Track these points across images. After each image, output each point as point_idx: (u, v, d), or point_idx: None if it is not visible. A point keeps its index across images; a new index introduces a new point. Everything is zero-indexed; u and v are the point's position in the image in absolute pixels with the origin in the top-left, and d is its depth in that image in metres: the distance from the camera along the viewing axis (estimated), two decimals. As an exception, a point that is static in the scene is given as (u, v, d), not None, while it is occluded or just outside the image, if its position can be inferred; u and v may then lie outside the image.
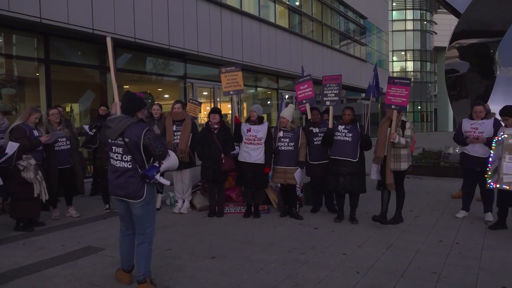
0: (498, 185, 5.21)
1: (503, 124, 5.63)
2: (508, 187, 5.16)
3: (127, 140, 3.57)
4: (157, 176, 3.64)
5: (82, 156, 7.17)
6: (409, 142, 5.69)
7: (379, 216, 5.82)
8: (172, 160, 3.77)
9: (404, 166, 5.69)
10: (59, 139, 6.23)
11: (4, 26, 8.34)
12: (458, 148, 6.60)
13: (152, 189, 3.70)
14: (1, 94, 8.77)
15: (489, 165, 5.48)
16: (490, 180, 5.38)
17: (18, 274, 4.17)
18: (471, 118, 6.16)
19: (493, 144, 5.52)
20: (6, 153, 5.44)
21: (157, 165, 3.68)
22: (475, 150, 5.96)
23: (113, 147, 3.65)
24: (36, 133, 5.84)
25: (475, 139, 5.94)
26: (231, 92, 6.77)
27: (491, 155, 5.48)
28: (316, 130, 6.48)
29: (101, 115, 7.84)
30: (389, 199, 5.85)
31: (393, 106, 5.69)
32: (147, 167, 3.64)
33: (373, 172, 5.93)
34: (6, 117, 6.82)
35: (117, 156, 3.65)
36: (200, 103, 7.67)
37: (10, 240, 5.29)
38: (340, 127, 5.99)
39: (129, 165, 3.61)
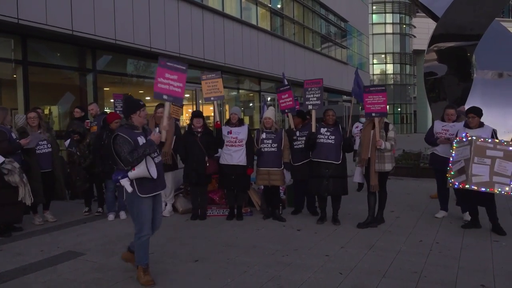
0: (466, 186, 5.33)
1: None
2: (476, 188, 5.31)
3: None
4: (122, 181, 3.79)
5: (63, 160, 7.04)
6: (393, 144, 5.77)
7: (367, 221, 5.87)
8: (141, 169, 3.76)
9: (388, 167, 5.76)
10: (40, 142, 6.11)
11: (-21, 26, 8.13)
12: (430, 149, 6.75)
13: (132, 192, 3.84)
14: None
15: (450, 164, 5.60)
16: (453, 180, 5.50)
17: (-5, 281, 4.06)
18: (443, 120, 6.35)
19: (454, 144, 5.64)
20: None
21: (126, 169, 3.78)
22: (445, 150, 6.11)
23: None
24: (13, 135, 5.72)
25: (447, 139, 6.09)
26: (212, 98, 6.77)
27: (453, 155, 5.60)
28: (297, 134, 6.51)
29: (76, 118, 7.67)
30: (376, 202, 5.92)
31: (373, 114, 5.76)
32: (119, 171, 3.86)
33: (356, 175, 5.99)
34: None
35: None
36: (182, 105, 7.62)
37: (-13, 246, 5.15)
38: (323, 130, 6.02)
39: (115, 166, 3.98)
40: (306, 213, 6.71)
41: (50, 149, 6.26)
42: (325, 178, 5.89)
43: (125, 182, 3.78)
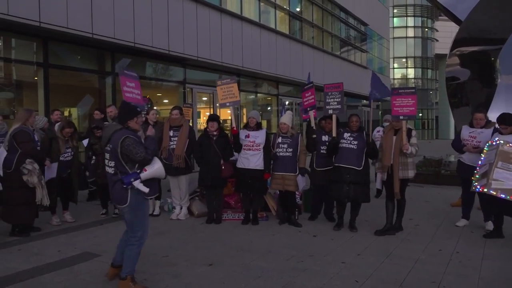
0: (485, 190, 5.21)
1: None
2: (494, 193, 5.16)
3: (111, 146, 3.80)
4: (135, 183, 3.74)
5: (80, 164, 7.18)
6: (417, 150, 5.70)
7: (384, 229, 5.80)
8: (156, 169, 3.83)
9: (411, 173, 5.69)
10: (66, 150, 6.29)
11: (3, 29, 8.37)
12: (456, 156, 6.60)
13: (138, 195, 3.81)
14: (-1, 98, 8.80)
15: (478, 168, 5.48)
16: (476, 183, 5.38)
17: (13, 280, 4.16)
18: (471, 125, 6.16)
19: (485, 148, 5.52)
20: None
21: (138, 171, 3.77)
22: (471, 159, 5.94)
23: (106, 154, 3.93)
24: (36, 137, 5.87)
25: (474, 148, 5.93)
26: (227, 104, 6.80)
27: (482, 158, 5.49)
28: (325, 138, 6.46)
29: (96, 119, 7.82)
30: (394, 210, 5.85)
31: (401, 117, 5.66)
32: (130, 173, 3.77)
33: (378, 181, 5.93)
34: (4, 122, 6.83)
35: (106, 162, 3.92)
36: (191, 105, 7.69)
37: (5, 246, 5.28)
38: (346, 135, 5.98)
39: (112, 170, 3.86)
40: (322, 219, 6.68)
41: (71, 157, 6.40)
42: (346, 183, 5.85)
43: (138, 184, 3.76)
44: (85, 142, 7.20)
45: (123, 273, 3.89)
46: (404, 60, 46.78)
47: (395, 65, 46.15)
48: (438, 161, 11.76)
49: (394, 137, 5.69)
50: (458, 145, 6.22)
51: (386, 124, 8.34)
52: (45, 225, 6.19)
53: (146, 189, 3.82)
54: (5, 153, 5.53)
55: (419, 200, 8.23)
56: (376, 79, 6.46)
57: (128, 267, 3.89)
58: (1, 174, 5.59)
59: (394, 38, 43.35)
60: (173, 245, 5.26)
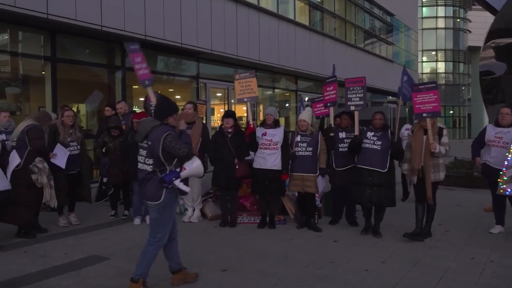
0: None
1: None
2: None
3: (149, 143, 3.85)
4: (176, 182, 3.84)
5: (91, 161, 7.28)
6: (448, 150, 5.61)
7: (414, 233, 5.73)
8: (195, 167, 3.94)
9: (442, 176, 5.63)
10: (70, 143, 6.34)
11: (10, 22, 8.54)
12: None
13: (171, 196, 3.92)
14: (5, 93, 8.97)
15: (504, 169, 5.36)
16: (505, 186, 5.25)
17: (18, 283, 4.25)
18: (497, 124, 6.03)
19: (511, 146, 5.40)
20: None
21: (178, 170, 3.86)
22: (497, 161, 5.84)
23: (140, 150, 3.96)
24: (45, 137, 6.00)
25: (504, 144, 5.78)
26: (245, 99, 6.81)
27: (508, 159, 5.36)
28: (342, 135, 6.43)
29: (107, 116, 7.94)
30: (424, 214, 5.78)
31: (424, 115, 5.59)
32: (168, 172, 3.85)
33: (406, 183, 5.85)
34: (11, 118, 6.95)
35: (141, 159, 3.95)
36: (205, 102, 7.72)
37: (12, 247, 5.40)
38: (369, 134, 5.92)
39: (150, 168, 3.90)
40: (344, 223, 6.64)
41: (79, 151, 6.47)
42: (368, 186, 5.81)
43: (179, 183, 3.86)
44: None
45: (135, 275, 3.92)
46: (433, 53, 46.11)
47: (424, 59, 45.52)
48: (471, 162, 11.54)
49: (425, 137, 5.60)
50: (477, 147, 6.13)
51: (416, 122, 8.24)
52: (52, 226, 6.30)
53: (187, 188, 3.95)
54: (17, 158, 5.60)
55: (449, 204, 8.11)
56: (408, 78, 6.36)
57: (141, 269, 3.94)
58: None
59: (423, 29, 42.74)
60: (185, 249, 5.28)
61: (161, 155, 3.82)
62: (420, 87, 5.75)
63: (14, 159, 5.60)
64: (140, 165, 3.99)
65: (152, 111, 7.64)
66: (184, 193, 4.00)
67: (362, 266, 4.75)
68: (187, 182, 4.01)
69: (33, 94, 9.86)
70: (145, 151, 3.92)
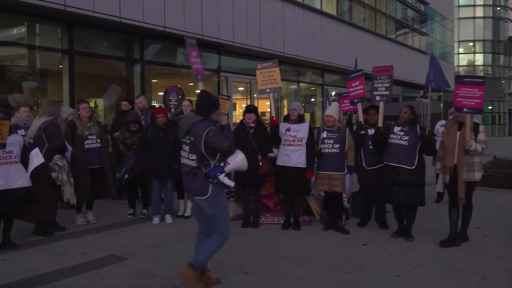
0: None
1: None
2: None
3: (192, 139, 4.01)
4: (221, 176, 3.99)
5: (112, 157, 7.38)
6: (485, 148, 5.49)
7: (448, 239, 5.64)
8: (239, 161, 4.07)
9: (478, 176, 5.49)
10: (89, 137, 6.47)
11: (26, 14, 8.73)
12: None
13: (218, 188, 4.07)
14: (22, 87, 9.18)
15: None
16: None
17: (35, 282, 4.36)
18: None
19: None
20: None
21: (222, 165, 4.00)
22: None
23: (183, 145, 4.17)
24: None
25: None
26: (268, 90, 6.80)
27: None
28: (371, 132, 6.37)
29: (124, 111, 8.03)
30: (459, 217, 5.67)
31: (465, 110, 5.46)
32: (212, 167, 4.00)
33: (439, 183, 5.77)
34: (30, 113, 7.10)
35: (185, 155, 4.13)
36: (229, 97, 7.72)
37: (29, 245, 5.54)
38: (396, 129, 5.87)
39: (194, 163, 4.06)
40: (374, 225, 6.57)
41: (99, 144, 6.58)
42: (395, 184, 5.75)
43: (223, 178, 4.00)
44: (116, 135, 7.39)
45: (195, 262, 4.09)
46: (471, 44, 45.13)
47: (461, 50, 44.61)
48: (511, 161, 11.29)
49: (458, 133, 5.49)
50: None
51: (451, 117, 8.09)
52: (69, 225, 6.43)
53: (232, 183, 4.08)
54: (40, 157, 5.71)
55: (488, 207, 7.94)
56: (436, 65, 6.23)
57: (201, 258, 4.11)
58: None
59: (459, 18, 41.90)
60: (206, 250, 5.32)
61: (204, 150, 3.96)
62: (465, 79, 5.59)
63: (35, 158, 5.72)
64: (183, 160, 4.16)
65: (171, 106, 7.81)
66: (228, 187, 4.15)
67: (393, 271, 4.70)
68: (231, 176, 4.16)
69: (50, 88, 10.07)
70: (188, 147, 4.08)
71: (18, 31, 9.38)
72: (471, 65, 45.27)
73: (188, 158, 4.11)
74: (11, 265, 4.83)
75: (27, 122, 6.36)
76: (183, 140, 4.16)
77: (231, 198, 7.26)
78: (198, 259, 4.11)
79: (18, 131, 6.28)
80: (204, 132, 3.95)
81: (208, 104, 4.16)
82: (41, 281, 4.38)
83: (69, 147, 6.16)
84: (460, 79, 5.62)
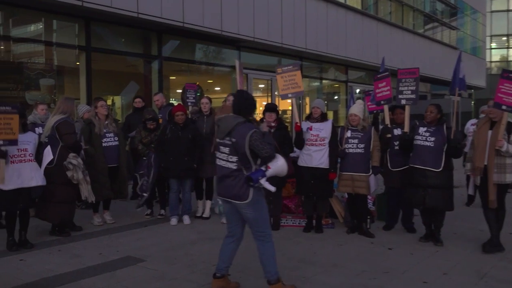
0: None
1: None
2: None
3: (234, 140, 3.97)
4: (262, 181, 3.96)
5: (129, 156, 7.45)
6: None
7: (491, 244, 5.52)
8: (280, 165, 4.05)
9: (509, 178, 5.38)
10: (107, 134, 6.54)
11: (44, 10, 8.90)
12: None
13: (259, 192, 4.07)
14: (39, 85, 9.35)
15: None
16: None
17: (52, 283, 4.44)
18: None
19: None
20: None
21: (264, 169, 3.98)
22: None
23: (221, 147, 4.12)
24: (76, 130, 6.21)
25: None
26: (289, 95, 6.77)
27: None
28: (398, 132, 6.30)
29: (137, 108, 8.09)
30: (496, 219, 5.56)
31: (504, 107, 5.34)
32: (253, 170, 4.00)
33: (470, 186, 5.68)
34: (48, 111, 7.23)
35: (223, 156, 4.08)
36: None
37: (45, 245, 5.64)
38: (421, 130, 5.80)
39: (234, 166, 4.03)
40: (400, 229, 6.50)
41: (117, 142, 6.66)
42: (421, 187, 5.68)
43: (264, 182, 3.99)
44: (133, 134, 7.46)
45: (272, 276, 4.09)
46: (504, 38, 44.19)
47: (493, 45, 43.74)
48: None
49: (490, 132, 5.38)
50: None
51: (482, 116, 7.94)
52: (86, 225, 6.53)
53: (273, 188, 4.05)
54: (50, 154, 5.81)
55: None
56: (458, 66, 6.15)
57: (273, 268, 4.11)
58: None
59: (492, 11, 41.09)
60: (225, 252, 5.33)
61: (248, 153, 3.96)
62: (510, 75, 5.46)
63: (47, 156, 5.82)
64: (221, 162, 4.12)
65: (189, 103, 7.83)
66: (269, 192, 4.13)
67: (421, 277, 4.64)
68: (271, 181, 4.12)
69: (67, 86, 10.24)
70: (228, 148, 4.04)
71: (35, 28, 9.57)
72: (504, 60, 44.34)
73: (227, 160, 4.06)
74: (28, 265, 4.92)
75: (45, 120, 6.46)
76: (221, 142, 4.10)
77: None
78: (271, 271, 4.10)
79: (36, 129, 6.41)
80: (248, 133, 3.93)
81: (249, 104, 4.17)
82: (57, 282, 4.45)
83: (81, 145, 6.25)
84: (506, 74, 5.44)
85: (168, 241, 5.89)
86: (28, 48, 9.37)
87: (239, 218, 4.21)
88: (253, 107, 4.18)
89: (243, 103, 4.16)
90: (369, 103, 7.40)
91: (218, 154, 4.16)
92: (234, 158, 4.01)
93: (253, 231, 4.18)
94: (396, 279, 4.60)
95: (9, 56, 9.20)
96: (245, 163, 3.99)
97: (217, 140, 4.16)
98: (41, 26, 9.50)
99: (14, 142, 5.24)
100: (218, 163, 4.15)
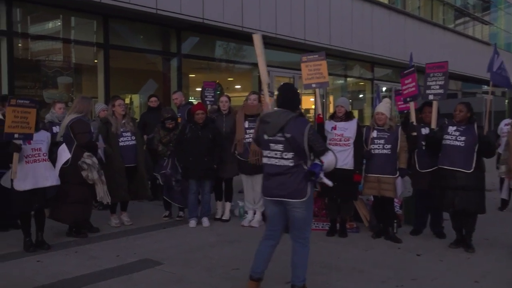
0: None
1: None
2: None
3: (288, 136, 3.94)
4: (321, 175, 3.98)
5: (147, 156, 7.51)
6: None
7: None
8: (331, 159, 4.06)
9: None
10: (123, 134, 6.59)
11: (62, 7, 9.04)
12: None
13: (312, 189, 4.08)
14: (57, 83, 9.51)
15: None
16: None
17: (69, 285, 4.51)
18: None
19: None
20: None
21: (319, 162, 3.98)
22: None
23: (271, 144, 4.05)
24: (92, 128, 6.27)
25: None
26: (313, 85, 6.75)
27: None
28: (426, 131, 6.22)
29: (152, 108, 8.14)
30: None
31: None
32: (308, 165, 4.01)
33: (504, 189, 5.58)
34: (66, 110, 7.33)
35: (276, 154, 4.04)
36: (273, 94, 7.71)
37: (62, 247, 5.73)
38: (451, 129, 5.73)
39: (291, 162, 3.99)
40: (429, 233, 6.41)
41: (134, 142, 6.70)
42: (451, 189, 5.60)
43: (323, 177, 4.01)
44: (150, 137, 7.51)
45: (299, 282, 4.07)
46: (541, 33, 43.24)
47: (529, 41, 42.82)
48: None
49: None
50: None
51: None
52: (103, 226, 6.61)
53: (330, 183, 4.07)
54: (67, 153, 5.89)
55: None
56: (498, 60, 6.02)
57: (303, 274, 4.09)
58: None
59: (528, 5, 40.23)
60: (245, 256, 5.32)
61: (307, 148, 3.97)
62: None
63: (63, 155, 5.90)
64: (271, 161, 4.07)
65: (207, 102, 7.86)
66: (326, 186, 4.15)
67: (451, 285, 4.59)
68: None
69: (85, 84, 10.39)
70: (281, 145, 3.99)
71: (53, 25, 9.74)
72: (541, 57, 43.39)
73: (281, 158, 4.01)
74: (45, 267, 5.01)
75: (62, 119, 6.55)
76: (271, 139, 4.03)
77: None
78: (300, 277, 4.07)
79: (53, 128, 6.52)
80: (305, 128, 3.95)
81: (296, 98, 4.19)
82: (75, 284, 4.52)
83: (101, 144, 6.31)
84: None
85: (186, 243, 5.92)
86: (46, 46, 9.54)
87: (284, 220, 4.18)
88: (300, 100, 4.21)
89: (291, 96, 4.15)
90: (399, 103, 7.33)
91: (267, 153, 4.10)
92: (290, 155, 3.97)
93: (296, 232, 4.14)
94: (425, 286, 4.54)
95: (27, 54, 9.38)
96: (303, 158, 3.99)
97: (265, 137, 4.08)
98: (59, 23, 9.66)
99: (29, 136, 5.31)
100: (268, 162, 4.09)
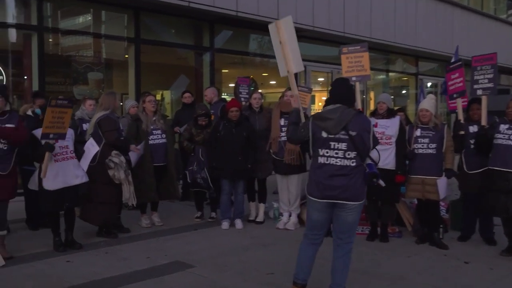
0: None
1: None
2: None
3: (353, 133, 3.90)
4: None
5: (178, 155, 7.59)
6: None
7: None
8: (377, 156, 4.13)
9: None
10: (154, 131, 6.69)
11: (93, 1, 9.24)
12: None
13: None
14: (87, 79, 9.73)
15: None
16: None
17: (98, 286, 4.62)
18: None
19: None
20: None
21: (372, 162, 4.01)
22: None
23: (332, 143, 3.97)
24: (121, 125, 6.38)
25: None
26: (354, 78, 6.70)
27: None
28: (474, 129, 6.10)
29: (186, 104, 8.20)
30: None
31: None
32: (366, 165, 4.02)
33: None
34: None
35: (337, 153, 3.96)
36: (311, 90, 7.68)
37: (93, 247, 5.86)
38: (503, 127, 5.63)
39: (353, 162, 3.95)
40: (478, 240, 6.28)
41: (164, 140, 6.79)
42: (503, 193, 5.49)
43: (379, 178, 4.04)
44: (182, 129, 7.59)
45: (336, 286, 4.11)
46: None
47: None
48: None
49: None
50: None
51: None
52: (134, 226, 6.73)
53: (383, 184, 4.12)
54: (96, 145, 6.02)
55: None
56: None
57: (344, 281, 4.11)
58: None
59: None
60: (280, 260, 5.34)
61: (371, 146, 3.99)
62: None
63: (91, 149, 6.01)
64: (332, 160, 3.97)
65: (242, 99, 7.88)
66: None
67: (502, 295, 4.47)
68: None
69: (115, 80, 10.59)
70: (345, 144, 3.92)
71: (84, 20, 9.95)
72: None
73: (344, 157, 3.93)
74: (75, 267, 5.14)
75: (92, 116, 6.68)
76: (333, 137, 3.95)
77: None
78: (341, 284, 4.08)
79: (84, 125, 6.68)
80: (370, 125, 3.98)
81: (352, 92, 4.22)
82: (105, 286, 4.63)
83: (141, 151, 6.38)
84: None
85: (219, 246, 5.96)
86: (76, 41, 9.76)
87: (329, 223, 4.21)
88: (354, 94, 4.24)
89: (347, 92, 4.13)
90: (450, 102, 7.17)
91: (327, 152, 3.98)
92: (353, 154, 3.92)
93: (343, 237, 4.12)
94: (473, 296, 4.45)
95: (57, 49, 9.62)
96: (363, 159, 3.99)
97: (323, 135, 3.98)
98: (89, 18, 9.87)
99: (62, 136, 5.46)
100: (328, 162, 3.97)
